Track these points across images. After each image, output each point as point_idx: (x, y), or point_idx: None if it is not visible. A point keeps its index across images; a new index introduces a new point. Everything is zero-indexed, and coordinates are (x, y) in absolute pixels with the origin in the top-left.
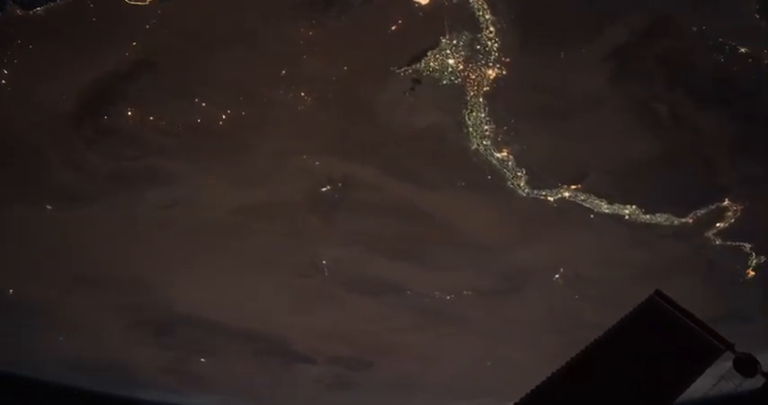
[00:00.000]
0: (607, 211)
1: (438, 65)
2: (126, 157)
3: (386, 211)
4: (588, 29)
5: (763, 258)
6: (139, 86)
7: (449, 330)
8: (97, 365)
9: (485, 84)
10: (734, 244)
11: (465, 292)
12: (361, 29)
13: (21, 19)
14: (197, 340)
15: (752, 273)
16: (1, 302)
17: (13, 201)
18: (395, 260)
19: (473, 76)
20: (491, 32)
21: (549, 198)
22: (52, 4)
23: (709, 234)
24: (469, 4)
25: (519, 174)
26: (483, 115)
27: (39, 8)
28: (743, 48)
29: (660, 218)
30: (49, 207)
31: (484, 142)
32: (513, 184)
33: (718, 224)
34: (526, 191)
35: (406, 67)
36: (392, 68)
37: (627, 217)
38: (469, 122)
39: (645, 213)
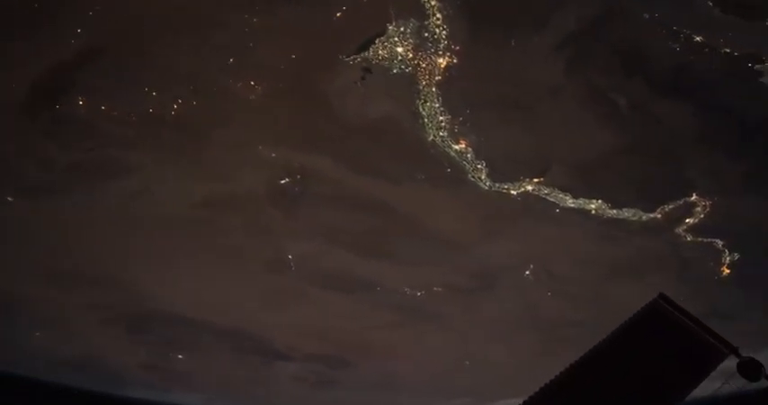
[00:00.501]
0: (572, 205)
1: (387, 53)
2: (83, 148)
3: (349, 205)
4: (536, 16)
5: (737, 255)
6: (89, 75)
7: (424, 328)
8: (75, 361)
9: (436, 73)
10: (706, 240)
11: (436, 289)
12: (306, 15)
13: None
14: (173, 337)
15: (727, 270)
16: None
17: None
18: (363, 256)
19: (424, 65)
20: (438, 19)
21: (512, 191)
22: None
23: (680, 230)
24: None
25: (479, 166)
26: (437, 105)
27: None
28: (698, 36)
29: (627, 213)
30: (9, 199)
31: (440, 133)
32: (474, 176)
33: (687, 220)
34: (488, 184)
35: (354, 56)
36: (341, 57)
37: (593, 212)
38: (424, 113)
39: (611, 208)
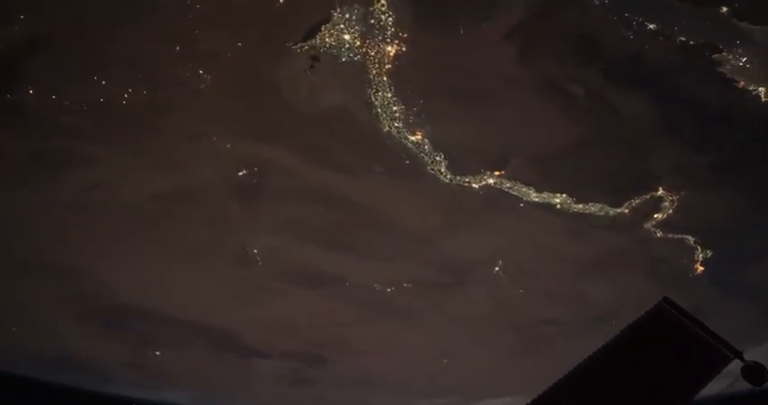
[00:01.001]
0: (536, 199)
1: (334, 41)
2: (38, 138)
3: (310, 198)
4: (482, 2)
5: (709, 253)
6: (36, 63)
7: (398, 325)
8: (54, 357)
9: (386, 61)
10: (676, 237)
11: (405, 285)
12: (249, 2)
13: None
14: (148, 333)
15: (701, 268)
16: None
17: None
18: (328, 250)
19: (372, 53)
20: (383, 5)
21: (474, 185)
22: None
23: (649, 226)
24: None
25: (438, 158)
26: (390, 95)
27: None
28: (651, 24)
29: (594, 208)
30: None
31: (395, 124)
32: (433, 169)
33: (655, 215)
34: (448, 177)
35: (301, 44)
36: (288, 44)
37: (558, 206)
38: (377, 103)
39: (577, 203)
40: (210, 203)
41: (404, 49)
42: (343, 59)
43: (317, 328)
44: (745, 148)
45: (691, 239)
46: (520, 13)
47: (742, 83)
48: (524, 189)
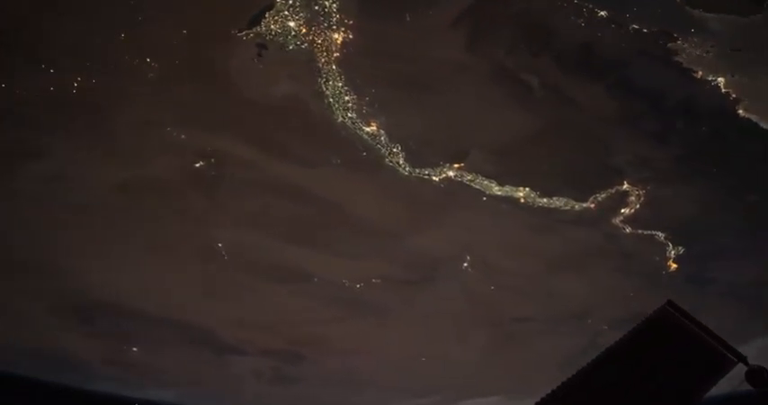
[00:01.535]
0: (499, 193)
1: (279, 28)
2: None
3: (272, 192)
4: None
5: (681, 249)
6: None
7: (372, 322)
8: (32, 353)
9: (334, 49)
10: (646, 233)
11: (374, 281)
12: None
13: None
14: (123, 329)
15: (674, 265)
16: None
17: None
18: (293, 245)
19: (319, 41)
20: None
21: (434, 178)
22: None
23: (617, 221)
24: None
25: (395, 150)
26: (341, 84)
27: None
28: (602, 11)
29: (559, 202)
30: None
31: (349, 114)
32: (391, 161)
33: (622, 210)
34: (407, 169)
35: (247, 31)
36: (233, 32)
37: (522, 200)
38: (328, 92)
39: (541, 197)
40: (171, 196)
41: (351, 36)
42: (291, 47)
43: (292, 326)
44: (709, 141)
45: (661, 236)
46: (466, 0)
47: (700, 73)
48: (486, 182)
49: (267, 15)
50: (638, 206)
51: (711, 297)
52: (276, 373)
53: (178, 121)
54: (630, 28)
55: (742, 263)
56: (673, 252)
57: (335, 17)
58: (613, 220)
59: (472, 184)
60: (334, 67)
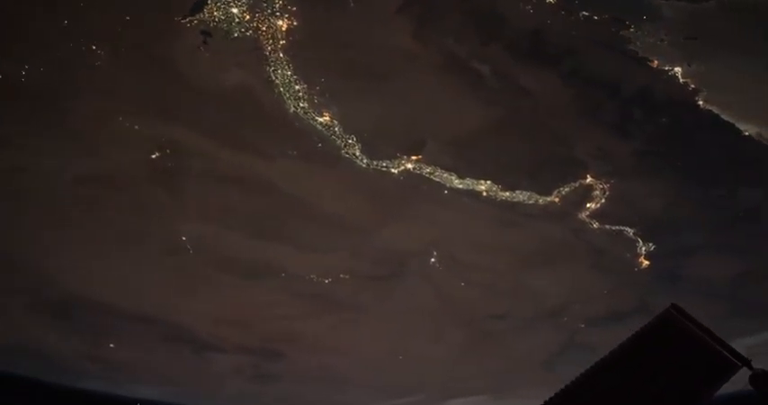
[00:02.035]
0: (460, 186)
1: (222, 14)
2: None
3: (232, 184)
4: None
5: (651, 246)
6: None
7: (346, 319)
8: (12, 349)
9: (279, 37)
10: (614, 228)
11: (342, 276)
12: None
13: None
14: (98, 324)
15: (646, 262)
16: None
17: None
18: (258, 239)
19: (264, 28)
20: None
21: (393, 170)
22: None
23: (583, 216)
24: None
25: (350, 141)
26: (290, 73)
27: None
28: None
29: (522, 196)
30: None
31: (300, 104)
32: (348, 153)
33: (588, 205)
34: (365, 161)
35: (190, 17)
36: (177, 18)
37: (485, 194)
38: (278, 81)
39: (503, 190)
40: (131, 188)
41: (295, 23)
42: (236, 35)
43: (265, 322)
44: (670, 133)
45: (630, 231)
46: None
47: (656, 62)
48: (446, 175)
49: (209, 2)
50: (603, 200)
51: (686, 295)
52: (256, 370)
53: (130, 112)
54: (581, 15)
55: (715, 261)
56: (643, 248)
57: (278, 3)
58: (580, 215)
59: (432, 176)
60: (281, 54)
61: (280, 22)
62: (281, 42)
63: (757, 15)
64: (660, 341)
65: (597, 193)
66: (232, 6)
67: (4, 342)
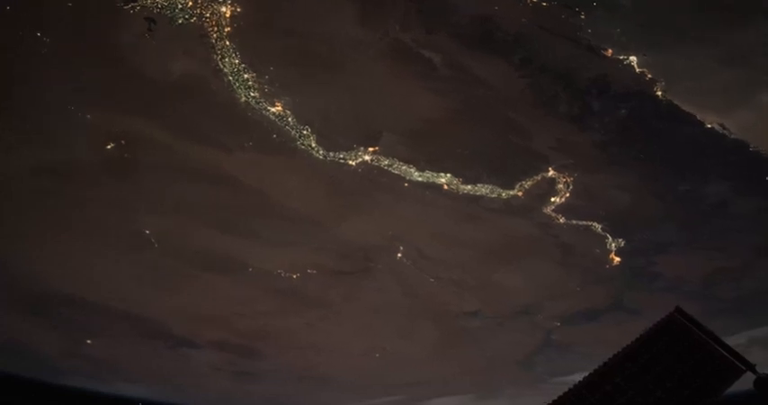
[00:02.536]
0: (420, 179)
1: (164, 0)
2: None
3: (190, 176)
4: None
5: (621, 242)
6: None
7: (319, 315)
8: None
9: (224, 23)
10: (581, 223)
11: (309, 271)
12: None
13: None
14: (75, 320)
15: (617, 258)
16: None
17: None
18: (222, 232)
19: (208, 15)
20: None
21: (351, 162)
22: None
23: (549, 211)
24: None
25: (305, 132)
26: (237, 61)
27: None
28: None
29: (484, 189)
30: None
31: (251, 94)
32: (303, 144)
33: (552, 199)
34: (321, 153)
35: (132, 4)
36: (118, 4)
37: (446, 187)
38: (226, 70)
39: (465, 183)
40: (89, 180)
41: (239, 9)
42: (180, 21)
43: (238, 318)
44: (629, 125)
45: (597, 227)
46: None
47: (610, 51)
48: (405, 167)
49: None
50: (567, 195)
51: (661, 293)
52: (233, 367)
53: (79, 101)
54: (529, 1)
55: (687, 258)
56: (613, 244)
57: None
58: (545, 210)
59: (391, 169)
60: (227, 42)
61: (223, 9)
62: (226, 29)
63: (711, 3)
64: (665, 345)
65: (561, 186)
66: None
67: None
